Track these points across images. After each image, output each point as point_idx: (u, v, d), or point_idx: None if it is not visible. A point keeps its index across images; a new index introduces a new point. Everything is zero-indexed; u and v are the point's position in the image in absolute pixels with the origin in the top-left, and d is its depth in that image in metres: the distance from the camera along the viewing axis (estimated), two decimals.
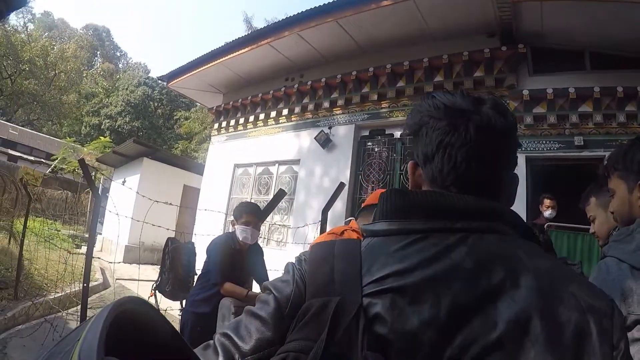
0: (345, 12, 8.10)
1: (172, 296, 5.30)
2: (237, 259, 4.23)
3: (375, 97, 8.66)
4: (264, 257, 4.69)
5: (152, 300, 5.41)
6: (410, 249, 0.90)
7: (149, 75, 44.17)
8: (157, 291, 5.32)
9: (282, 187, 9.57)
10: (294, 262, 1.08)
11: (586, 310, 0.82)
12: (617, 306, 0.87)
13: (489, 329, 0.79)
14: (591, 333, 0.80)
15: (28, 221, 8.88)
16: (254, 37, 10.09)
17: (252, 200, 10.13)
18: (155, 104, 39.38)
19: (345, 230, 2.97)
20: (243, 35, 10.46)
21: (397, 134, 8.47)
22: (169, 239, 5.47)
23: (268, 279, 4.29)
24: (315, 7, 8.56)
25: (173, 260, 5.26)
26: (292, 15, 9.10)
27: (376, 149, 8.74)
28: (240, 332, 1.00)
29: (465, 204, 0.94)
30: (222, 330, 1.05)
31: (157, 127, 38.69)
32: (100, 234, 18.53)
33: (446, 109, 1.01)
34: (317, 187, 9.04)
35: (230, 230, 4.56)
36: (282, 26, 9.34)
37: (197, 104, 15.91)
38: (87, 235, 21.00)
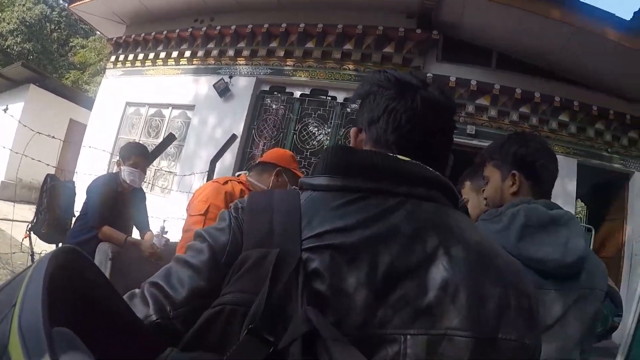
0: None
1: (48, 238, 4.92)
2: (119, 203, 4.05)
3: (282, 53, 8.47)
4: (146, 203, 4.53)
5: (26, 242, 5.18)
6: (351, 207, 0.91)
7: None
8: (31, 232, 4.95)
9: (173, 131, 9.21)
10: (229, 209, 1.06)
11: (508, 286, 0.86)
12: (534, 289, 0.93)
13: (420, 294, 0.82)
14: (510, 308, 0.84)
15: None
16: None
17: (140, 141, 9.56)
18: (52, 27, 36.23)
19: (230, 180, 2.95)
20: None
21: (297, 93, 8.41)
22: (48, 175, 5.06)
23: (149, 226, 4.36)
24: None
25: (51, 199, 4.85)
26: None
27: (274, 106, 8.61)
28: (172, 282, 0.97)
29: (408, 168, 0.96)
30: (151, 280, 1.02)
31: (50, 52, 35.55)
32: None
33: (396, 81, 1.07)
34: (209, 136, 8.76)
35: (114, 171, 4.32)
36: None
37: (97, 32, 14.78)
38: None
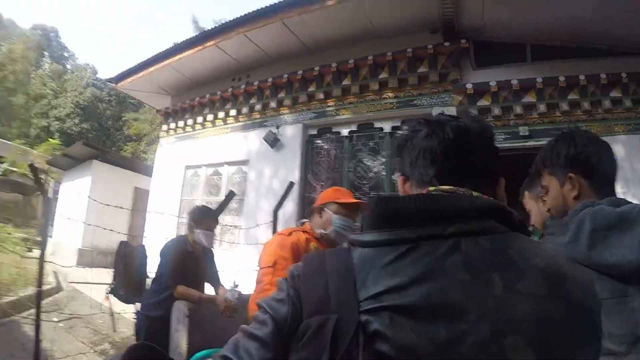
0: (290, 12, 7.98)
1: (126, 300, 5.18)
2: (191, 262, 4.16)
3: (321, 95, 8.59)
4: (214, 259, 4.64)
5: (105, 304, 5.54)
6: (402, 261, 0.88)
7: (97, 76, 42.90)
8: (111, 295, 5.22)
9: (232, 188, 9.43)
10: (286, 277, 1.06)
11: (578, 307, 0.84)
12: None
13: (488, 341, 0.78)
14: (583, 329, 0.83)
15: None
16: (201, 39, 9.84)
17: (203, 202, 9.97)
18: (104, 106, 38.30)
19: (294, 231, 3.01)
20: (190, 37, 10.19)
21: (345, 131, 8.42)
22: (121, 242, 5.36)
23: (220, 281, 4.43)
24: (260, 8, 8.42)
25: (126, 264, 5.14)
26: (238, 16, 8.91)
27: (324, 147, 8.65)
28: (240, 354, 0.98)
29: (455, 203, 0.92)
30: (221, 353, 1.03)
31: (106, 128, 37.69)
32: (51, 237, 17.98)
33: (427, 122, 1.09)
34: (267, 188, 8.89)
35: (184, 234, 4.47)
36: (229, 27, 9.13)
37: (146, 105, 15.55)
38: (39, 239, 20.35)
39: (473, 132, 1.06)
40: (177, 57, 10.33)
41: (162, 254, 4.26)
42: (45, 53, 53.23)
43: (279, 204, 5.68)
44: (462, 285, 0.82)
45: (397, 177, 1.17)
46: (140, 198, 15.60)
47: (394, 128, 7.94)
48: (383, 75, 7.93)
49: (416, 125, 1.11)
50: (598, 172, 1.74)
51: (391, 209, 0.95)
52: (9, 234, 15.12)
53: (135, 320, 4.42)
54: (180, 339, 3.57)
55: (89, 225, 6.10)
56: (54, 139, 27.22)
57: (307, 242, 2.91)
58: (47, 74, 45.17)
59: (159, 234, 6.36)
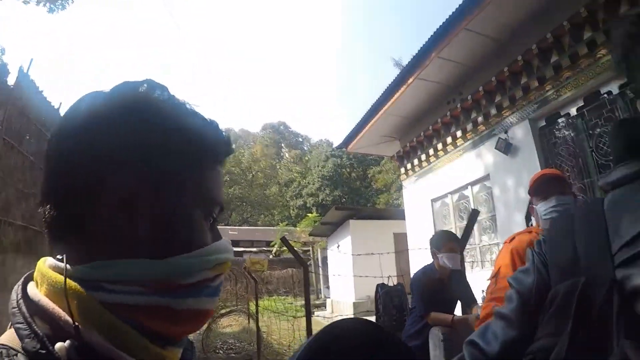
0: (468, 17, 8.00)
1: None
2: (439, 288, 4.30)
3: (536, 83, 8.18)
4: (466, 279, 4.68)
5: None
6: None
7: (333, 147, 46.94)
8: None
9: (480, 207, 9.54)
10: (533, 245, 1.01)
11: None
12: None
13: None
14: None
15: (262, 301, 10.40)
16: (402, 78, 10.32)
17: (457, 228, 10.21)
18: (348, 170, 41.59)
19: (518, 234, 2.87)
20: (391, 82, 10.72)
21: (573, 110, 7.85)
22: (377, 285, 5.80)
23: (474, 299, 4.40)
24: (440, 25, 8.55)
25: (385, 304, 5.54)
26: (424, 43, 9.14)
27: (559, 135, 8.18)
28: (487, 336, 0.99)
29: None
30: (469, 338, 1.06)
31: (356, 189, 40.72)
32: (329, 297, 19.80)
33: None
34: (515, 196, 8.66)
35: (430, 262, 4.61)
36: (421, 56, 9.42)
37: (384, 156, 16.61)
38: (317, 302, 22.75)
39: None
40: (389, 103, 10.95)
41: (411, 286, 4.49)
42: (282, 145, 60.18)
43: (528, 211, 5.56)
44: None
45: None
46: (400, 241, 16.34)
47: (622, 86, 7.05)
48: (587, 34, 7.16)
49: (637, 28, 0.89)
50: None
51: (636, 133, 0.84)
52: (290, 303, 17.40)
53: None
54: None
55: (358, 276, 6.74)
56: (312, 213, 30.27)
57: (532, 243, 2.58)
58: (289, 161, 51.15)
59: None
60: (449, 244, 4.35)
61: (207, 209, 0.72)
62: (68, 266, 0.61)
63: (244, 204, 41.86)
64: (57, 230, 0.64)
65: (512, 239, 2.81)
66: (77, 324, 0.56)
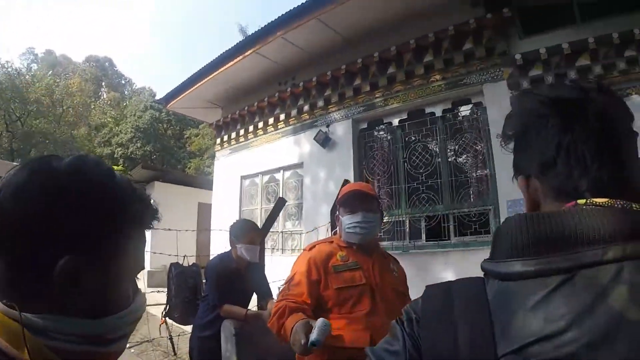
0: (324, 8, 7.87)
1: (182, 321, 5.25)
2: (236, 278, 4.07)
3: (367, 88, 8.38)
4: (264, 271, 4.61)
5: (163, 328, 5.54)
6: (555, 299, 0.69)
7: (155, 98, 44.37)
8: (167, 318, 5.29)
9: (289, 192, 9.55)
10: (401, 320, 0.90)
11: None
12: None
13: None
14: None
15: None
16: (240, 48, 9.84)
17: (263, 210, 10.05)
18: (165, 126, 39.26)
19: (318, 243, 2.87)
20: (229, 48, 10.18)
21: (396, 121, 8.18)
22: (171, 264, 5.44)
23: (271, 293, 4.33)
24: (294, 7, 8.32)
25: (178, 285, 5.19)
26: (273, 19, 8.85)
27: (377, 140, 8.46)
28: None
29: (619, 222, 0.72)
30: None
31: (169, 148, 38.58)
32: None
33: (554, 103, 0.85)
34: (324, 188, 8.76)
35: (228, 250, 4.35)
36: (266, 32, 9.10)
37: (204, 122, 15.80)
38: None
39: (619, 116, 0.84)
40: (221, 69, 10.39)
41: (206, 273, 4.24)
42: (103, 83, 55.37)
43: (335, 204, 5.55)
44: (631, 329, 0.63)
45: (517, 178, 0.96)
46: (204, 212, 15.75)
47: (445, 111, 7.68)
48: (428, 57, 7.64)
49: (539, 108, 0.86)
50: None
51: (540, 231, 0.75)
52: None
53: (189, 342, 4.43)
54: (230, 358, 3.53)
55: (153, 253, 6.22)
56: (118, 165, 28.25)
57: (332, 254, 2.70)
58: (106, 103, 47.04)
59: (224, 249, 6.38)
60: (249, 235, 4.13)
61: (135, 273, 0.88)
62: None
63: (47, 141, 37.38)
64: (11, 279, 0.73)
65: (312, 247, 2.80)
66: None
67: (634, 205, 0.75)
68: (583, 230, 0.72)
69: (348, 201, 2.74)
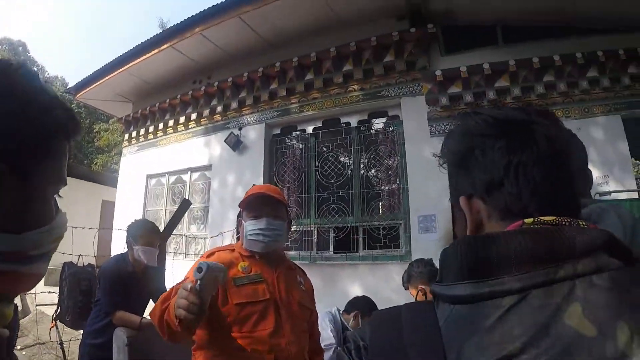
0: (247, 7, 7.51)
1: (74, 325, 4.72)
2: (132, 283, 3.72)
3: (284, 92, 8.07)
4: (163, 276, 4.29)
5: (53, 332, 5.05)
6: (509, 321, 0.66)
7: (67, 88, 42.06)
8: (57, 321, 4.76)
9: (195, 194, 9.06)
10: (348, 348, 0.86)
11: None
12: None
13: None
14: None
15: None
16: (157, 41, 9.22)
17: (168, 211, 9.48)
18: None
19: (218, 251, 2.49)
20: (145, 40, 9.53)
21: (310, 128, 7.94)
22: (64, 264, 4.88)
23: None
24: (216, 4, 7.90)
25: (70, 287, 4.67)
26: (194, 14, 8.36)
27: (289, 147, 8.16)
28: None
29: (568, 241, 0.69)
30: None
31: (77, 142, 36.55)
32: None
33: (501, 124, 0.84)
34: (231, 193, 8.34)
35: (125, 251, 4.00)
36: (184, 27, 8.58)
37: (114, 116, 14.98)
38: None
39: (564, 139, 0.84)
40: (134, 62, 9.72)
41: (99, 276, 3.88)
42: None
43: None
44: (587, 345, 0.60)
45: (456, 198, 0.91)
46: (108, 210, 14.90)
47: (361, 122, 7.50)
48: (347, 67, 7.44)
49: (485, 128, 0.84)
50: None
51: (489, 253, 0.72)
52: None
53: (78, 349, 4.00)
54: None
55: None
56: None
57: (232, 264, 2.34)
58: None
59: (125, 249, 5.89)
60: (148, 236, 3.83)
61: (56, 188, 0.79)
62: None
63: None
64: None
65: (211, 254, 2.43)
66: None
67: (581, 223, 0.75)
68: (533, 250, 0.70)
69: (252, 205, 2.41)
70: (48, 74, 55.79)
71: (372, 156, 7.37)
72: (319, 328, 2.82)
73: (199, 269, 1.73)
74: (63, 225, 0.79)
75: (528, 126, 0.81)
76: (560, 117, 5.80)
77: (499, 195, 0.80)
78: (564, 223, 0.74)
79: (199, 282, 1.73)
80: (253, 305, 2.23)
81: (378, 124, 7.49)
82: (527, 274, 0.68)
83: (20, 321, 9.60)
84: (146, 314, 3.77)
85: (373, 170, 7.99)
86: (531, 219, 0.76)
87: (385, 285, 6.33)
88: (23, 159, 0.68)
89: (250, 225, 2.37)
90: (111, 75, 10.44)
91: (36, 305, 10.17)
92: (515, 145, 0.79)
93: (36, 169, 0.70)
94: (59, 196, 0.81)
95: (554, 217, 0.75)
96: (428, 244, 6.08)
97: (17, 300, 8.80)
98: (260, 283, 2.31)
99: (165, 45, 8.94)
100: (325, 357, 2.78)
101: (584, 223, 0.75)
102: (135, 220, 4.16)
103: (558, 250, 0.69)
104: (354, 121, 7.50)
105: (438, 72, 6.62)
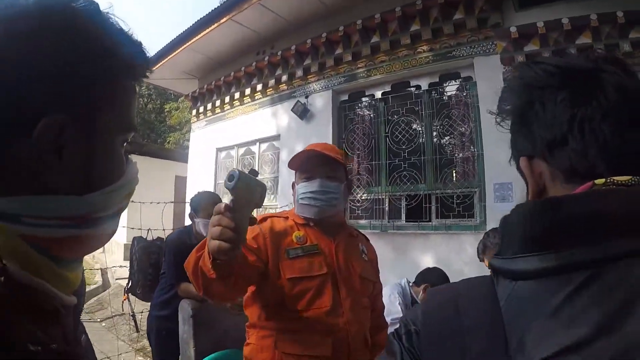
0: None
1: (145, 298, 4.74)
2: None
3: (349, 57, 7.65)
4: None
5: (125, 305, 5.20)
6: (581, 300, 0.55)
7: None
8: (129, 294, 4.89)
9: (265, 165, 9.01)
10: (398, 333, 0.79)
11: None
12: None
13: None
14: None
15: None
16: (215, 15, 8.96)
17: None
18: (145, 100, 38.13)
19: (273, 216, 2.19)
20: (204, 15, 9.30)
21: (379, 93, 7.49)
22: (134, 238, 4.96)
23: None
24: None
25: (140, 260, 4.70)
26: None
27: (358, 113, 7.79)
28: None
29: None
30: None
31: (150, 122, 37.50)
32: None
33: (564, 73, 0.72)
34: None
35: (188, 224, 4.09)
36: None
37: (182, 94, 15.21)
38: None
39: (635, 88, 0.68)
40: (195, 38, 9.55)
41: (166, 248, 3.94)
42: None
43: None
44: None
45: (516, 159, 0.81)
46: (181, 185, 15.23)
47: (432, 85, 6.99)
48: (414, 27, 6.89)
49: (545, 78, 0.71)
50: None
51: (556, 220, 0.60)
52: None
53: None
54: (188, 340, 3.24)
55: (126, 227, 5.74)
56: None
57: (286, 233, 2.07)
58: None
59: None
60: (209, 208, 3.58)
61: (126, 135, 0.68)
62: None
63: None
64: None
65: (264, 219, 2.14)
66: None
67: None
68: (607, 215, 0.59)
69: (304, 164, 2.17)
70: None
71: (444, 120, 6.89)
72: (387, 300, 2.56)
73: (230, 177, 1.41)
74: (134, 179, 0.70)
75: (595, 75, 0.70)
76: None
77: (563, 154, 0.70)
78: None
79: (232, 199, 1.44)
80: (309, 280, 1.97)
81: (450, 86, 6.99)
82: (601, 244, 0.58)
83: (101, 294, 9.99)
84: None
85: (446, 135, 7.53)
86: (602, 180, 0.65)
87: (458, 256, 5.98)
88: (86, 107, 0.59)
89: (302, 188, 2.12)
90: (174, 53, 10.32)
91: (115, 279, 10.54)
92: (580, 97, 0.69)
93: (103, 118, 0.62)
94: (129, 143, 0.70)
95: (629, 177, 0.63)
96: (504, 213, 5.62)
97: (98, 275, 9.01)
98: (316, 255, 2.04)
99: (225, 19, 8.70)
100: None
101: None
102: (197, 192, 4.11)
103: (636, 214, 0.58)
104: (424, 84, 7.01)
105: (513, 29, 5.99)
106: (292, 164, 2.21)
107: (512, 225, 0.69)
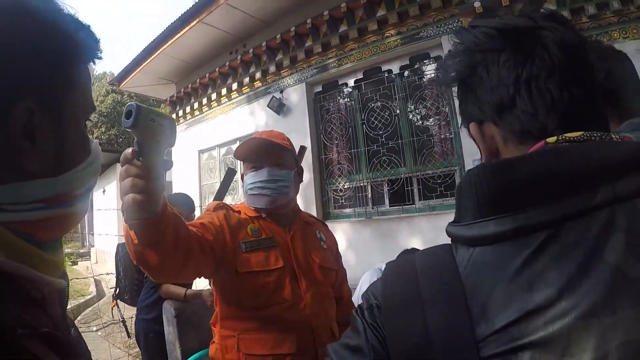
0: None
1: (133, 303, 4.64)
2: None
3: (319, 49, 7.48)
4: None
5: (115, 311, 5.05)
6: (540, 261, 0.54)
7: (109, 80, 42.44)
8: (118, 300, 4.77)
9: None
10: (360, 308, 0.73)
11: None
12: None
13: None
14: None
15: None
16: (185, 19, 8.72)
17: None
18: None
19: (221, 207, 1.99)
20: (174, 20, 9.06)
21: (351, 81, 7.33)
22: (118, 245, 4.75)
23: None
24: None
25: (126, 266, 4.55)
26: None
27: (333, 103, 7.61)
28: None
29: (604, 157, 0.56)
30: None
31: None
32: (93, 246, 17.71)
33: (504, 34, 0.69)
34: None
35: None
36: (208, 0, 8.06)
37: (161, 99, 14.85)
38: (82, 251, 20.05)
39: (577, 43, 0.67)
40: (168, 43, 9.30)
41: None
42: None
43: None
44: (634, 286, 0.47)
45: (467, 124, 0.79)
46: (169, 191, 14.98)
47: (403, 67, 6.83)
48: (381, 12, 6.74)
49: (485, 42, 0.69)
50: None
51: (509, 182, 0.59)
52: None
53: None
54: (173, 341, 3.21)
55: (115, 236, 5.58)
56: None
57: (242, 225, 1.90)
58: None
59: None
60: (183, 210, 3.70)
61: (87, 117, 0.69)
62: None
63: None
64: None
65: (220, 206, 1.99)
66: None
67: (614, 136, 0.62)
68: (561, 174, 0.57)
69: (250, 154, 1.99)
70: (96, 72, 56.51)
71: (419, 102, 6.76)
72: (366, 286, 2.41)
73: (127, 114, 1.14)
74: (99, 157, 0.71)
75: (535, 33, 0.67)
76: (617, 38, 5.09)
77: (513, 117, 0.68)
78: (593, 138, 0.61)
79: (136, 141, 1.17)
80: (265, 275, 1.81)
81: (421, 67, 6.83)
82: (557, 203, 0.55)
83: (96, 304, 9.85)
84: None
85: (421, 117, 7.38)
86: (554, 138, 0.63)
87: (445, 236, 5.73)
88: (51, 91, 0.59)
89: (250, 178, 1.95)
90: (149, 59, 10.08)
91: (110, 288, 10.40)
92: (523, 57, 0.66)
93: (68, 101, 0.62)
94: (90, 120, 0.71)
95: (580, 133, 0.61)
96: None
97: (92, 286, 8.83)
98: (272, 248, 1.88)
99: (195, 22, 8.46)
100: None
101: (617, 136, 0.61)
102: (171, 194, 4.08)
103: (591, 170, 0.55)
104: (395, 68, 6.86)
105: (477, 4, 5.78)
106: (238, 154, 2.03)
107: (465, 191, 0.65)
